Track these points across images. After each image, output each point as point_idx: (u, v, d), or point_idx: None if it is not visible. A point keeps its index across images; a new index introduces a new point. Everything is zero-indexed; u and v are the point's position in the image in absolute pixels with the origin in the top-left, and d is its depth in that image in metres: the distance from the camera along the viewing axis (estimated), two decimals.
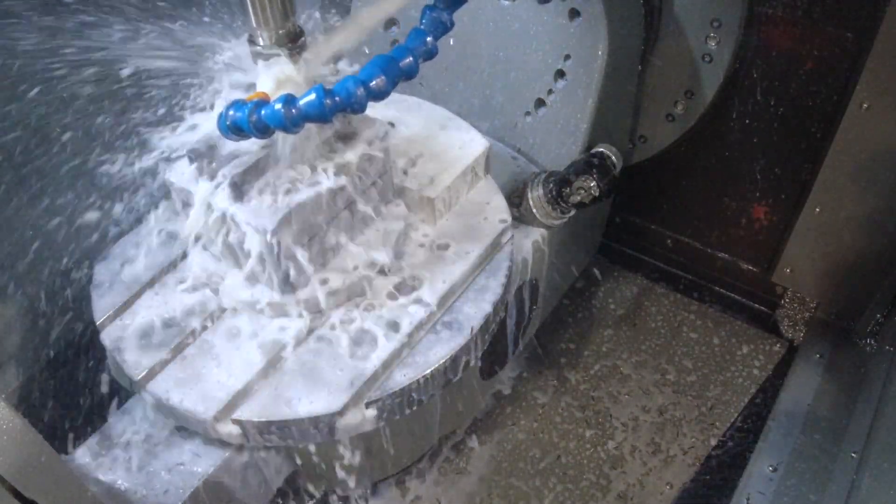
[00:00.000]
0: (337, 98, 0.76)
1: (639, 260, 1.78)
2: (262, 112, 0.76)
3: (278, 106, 0.75)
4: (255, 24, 0.84)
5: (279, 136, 0.88)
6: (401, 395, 0.98)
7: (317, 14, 0.94)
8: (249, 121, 0.77)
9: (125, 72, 0.92)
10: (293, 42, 0.85)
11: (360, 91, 0.76)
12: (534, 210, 1.25)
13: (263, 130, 0.77)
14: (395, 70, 0.78)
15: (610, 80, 1.25)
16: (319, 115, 0.76)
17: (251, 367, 0.98)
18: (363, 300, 1.05)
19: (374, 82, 0.77)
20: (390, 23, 1.40)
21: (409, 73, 0.80)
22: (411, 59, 0.80)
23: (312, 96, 0.75)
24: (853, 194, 1.35)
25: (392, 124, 1.23)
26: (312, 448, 1.15)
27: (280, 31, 0.84)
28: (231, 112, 0.79)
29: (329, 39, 0.87)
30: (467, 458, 1.45)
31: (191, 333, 1.02)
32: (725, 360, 1.59)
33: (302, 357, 1.00)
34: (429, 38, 0.82)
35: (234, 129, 0.79)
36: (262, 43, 0.84)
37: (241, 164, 0.93)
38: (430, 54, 0.82)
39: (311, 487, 1.30)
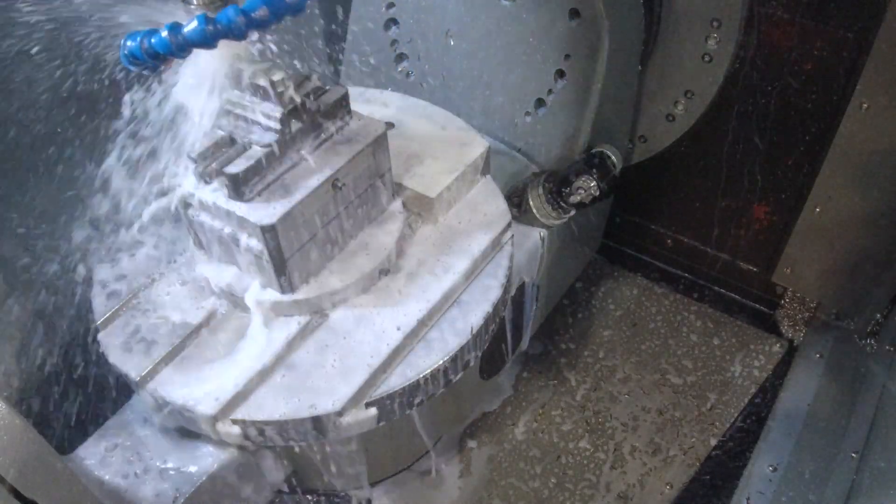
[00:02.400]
0: (218, 25, 0.82)
1: (639, 260, 1.78)
2: (152, 40, 0.83)
3: (164, 33, 0.82)
4: None
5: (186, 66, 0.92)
6: (401, 395, 0.98)
7: None
8: (141, 49, 0.84)
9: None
10: (224, 1, 0.88)
11: (241, 19, 0.82)
12: (534, 210, 1.25)
13: (154, 56, 0.84)
14: (279, 3, 0.84)
15: (610, 80, 1.25)
16: (202, 40, 0.82)
17: (251, 366, 0.98)
18: (363, 300, 1.05)
19: (256, 13, 0.83)
20: (390, 23, 1.40)
21: (294, 9, 0.85)
22: None
23: (195, 23, 0.81)
24: (853, 194, 1.34)
25: (392, 124, 1.23)
26: (313, 448, 1.15)
27: None
28: (128, 42, 0.85)
29: None
30: (467, 459, 1.45)
31: (191, 333, 1.02)
32: (725, 360, 1.59)
33: (302, 356, 1.00)
34: None
35: (131, 59, 0.85)
36: (195, 3, 0.87)
37: (242, 162, 0.93)
38: None
39: (310, 487, 1.30)
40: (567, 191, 1.22)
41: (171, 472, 1.00)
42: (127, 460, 1.01)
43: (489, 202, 1.19)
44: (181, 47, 0.82)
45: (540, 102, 1.32)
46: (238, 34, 0.83)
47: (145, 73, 0.89)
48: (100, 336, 1.04)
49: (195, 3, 0.87)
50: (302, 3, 0.86)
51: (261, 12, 0.83)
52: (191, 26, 0.81)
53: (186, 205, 1.01)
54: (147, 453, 1.02)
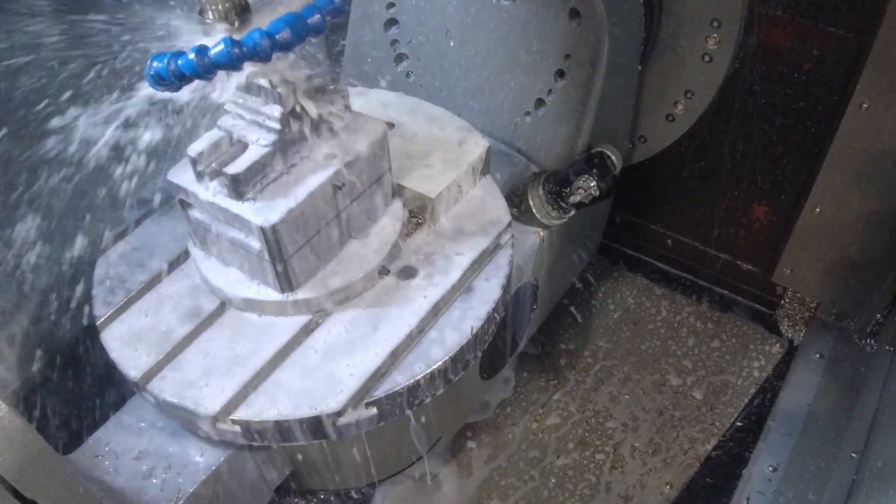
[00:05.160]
0: (244, 48, 0.83)
1: (639, 260, 1.78)
2: (179, 61, 0.84)
3: (191, 55, 0.83)
4: None
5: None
6: (401, 395, 0.98)
7: None
8: (168, 70, 0.84)
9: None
10: (239, 15, 0.88)
11: (265, 42, 0.83)
12: (534, 210, 1.25)
13: (181, 78, 0.85)
14: (302, 25, 0.86)
15: (610, 80, 1.25)
16: (228, 62, 0.83)
17: (251, 366, 0.98)
18: (363, 300, 1.05)
19: (279, 35, 0.84)
20: (391, 23, 1.40)
21: (316, 29, 0.88)
22: (318, 16, 0.87)
23: (221, 46, 0.82)
24: (853, 194, 1.34)
25: (392, 124, 1.23)
26: (312, 448, 1.15)
27: (226, 4, 0.87)
28: (154, 64, 0.86)
29: (275, 10, 0.90)
30: (467, 459, 1.45)
31: (191, 333, 1.02)
32: (725, 361, 1.59)
33: (302, 356, 1.00)
34: None
35: (157, 79, 0.86)
36: (210, 17, 0.87)
37: (242, 162, 0.93)
38: (338, 12, 0.90)
39: (310, 487, 1.30)
40: (567, 191, 1.22)
41: (171, 472, 1.00)
42: (127, 460, 1.01)
43: (489, 202, 1.19)
44: (207, 69, 0.83)
45: (540, 102, 1.32)
46: (263, 56, 0.84)
47: (169, 92, 0.90)
48: (101, 336, 1.04)
49: (210, 17, 0.87)
50: (323, 24, 0.88)
51: (284, 34, 0.85)
52: (217, 49, 0.82)
53: (186, 204, 1.01)
54: (147, 453, 1.02)
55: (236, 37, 0.84)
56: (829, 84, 1.29)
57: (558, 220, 1.26)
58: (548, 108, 1.31)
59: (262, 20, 0.90)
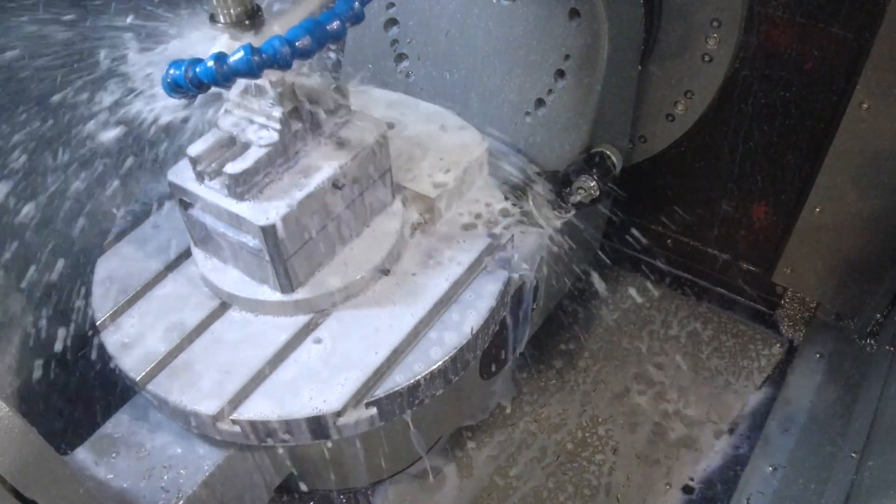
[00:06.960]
0: (264, 55, 0.82)
1: (639, 260, 1.78)
2: (197, 69, 0.83)
3: (210, 63, 0.82)
4: (214, 2, 0.88)
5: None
6: (401, 395, 0.98)
7: None
8: (186, 77, 0.83)
9: None
10: (251, 19, 0.88)
11: (286, 49, 0.82)
12: (534, 210, 1.25)
13: (198, 85, 0.84)
14: (321, 32, 0.85)
15: (610, 81, 1.25)
16: (248, 70, 0.82)
17: (251, 366, 0.98)
18: (363, 299, 1.05)
19: (299, 42, 0.83)
20: (391, 23, 1.40)
21: (336, 36, 0.87)
22: (338, 22, 0.87)
23: (241, 53, 0.81)
24: (853, 194, 1.34)
25: (392, 124, 1.23)
26: (312, 448, 1.15)
27: (238, 9, 0.87)
28: (171, 71, 0.85)
29: (286, 15, 0.90)
30: (467, 459, 1.45)
31: (191, 333, 1.02)
32: (725, 361, 1.59)
33: (302, 356, 1.00)
34: (356, 4, 0.89)
35: (174, 87, 0.85)
36: (222, 21, 0.87)
37: (242, 162, 0.93)
38: (358, 18, 0.89)
39: (310, 486, 1.30)
40: (567, 191, 1.22)
41: (171, 472, 1.00)
42: (127, 460, 1.01)
43: (489, 202, 1.19)
44: (226, 76, 0.82)
45: (540, 102, 1.32)
46: (283, 63, 0.83)
47: (185, 99, 0.90)
48: (101, 336, 1.04)
49: (222, 21, 0.87)
50: (342, 30, 0.86)
51: (304, 41, 0.84)
52: (236, 56, 0.81)
53: (186, 204, 1.01)
54: (147, 453, 1.02)
55: (254, 43, 0.83)
56: (829, 84, 1.29)
57: (558, 221, 1.26)
58: (548, 108, 1.31)
59: (276, 25, 0.89)
